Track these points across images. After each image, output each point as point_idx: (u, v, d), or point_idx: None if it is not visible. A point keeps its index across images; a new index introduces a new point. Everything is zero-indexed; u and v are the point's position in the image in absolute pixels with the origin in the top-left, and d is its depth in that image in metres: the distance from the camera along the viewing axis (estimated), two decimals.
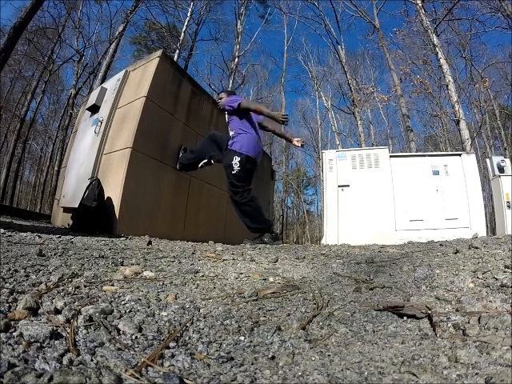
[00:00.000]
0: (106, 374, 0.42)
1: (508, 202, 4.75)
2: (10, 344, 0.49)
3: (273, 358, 0.55)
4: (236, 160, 2.74)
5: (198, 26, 13.51)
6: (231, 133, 2.91)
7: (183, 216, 3.57)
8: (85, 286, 0.86)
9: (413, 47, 11.21)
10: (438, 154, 5.07)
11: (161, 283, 0.98)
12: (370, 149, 5.11)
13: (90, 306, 0.70)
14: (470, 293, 0.85)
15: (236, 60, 12.65)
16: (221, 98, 3.11)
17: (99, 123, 3.32)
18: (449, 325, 0.65)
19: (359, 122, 12.97)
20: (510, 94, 14.74)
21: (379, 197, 4.57)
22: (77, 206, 2.72)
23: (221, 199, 4.41)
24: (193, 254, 1.63)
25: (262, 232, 2.75)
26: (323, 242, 4.51)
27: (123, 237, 2.42)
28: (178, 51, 11.66)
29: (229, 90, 3.24)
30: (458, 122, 7.84)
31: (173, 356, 0.53)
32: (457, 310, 0.73)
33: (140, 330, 0.62)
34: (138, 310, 0.72)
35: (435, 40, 8.32)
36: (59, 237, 1.89)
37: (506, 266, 1.03)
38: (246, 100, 2.94)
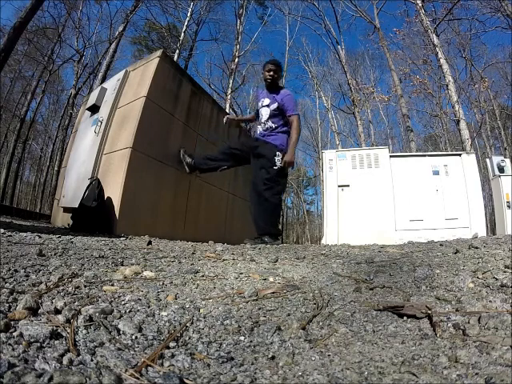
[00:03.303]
0: (106, 374, 0.42)
1: (508, 202, 4.75)
2: (10, 344, 0.49)
3: (273, 357, 0.55)
4: (279, 157, 2.71)
5: (198, 26, 13.52)
6: (273, 125, 2.83)
7: (183, 216, 3.57)
8: (85, 286, 0.86)
9: (413, 47, 11.24)
10: (438, 154, 5.07)
11: (161, 283, 0.98)
12: (369, 149, 5.11)
13: (90, 306, 0.70)
14: (469, 293, 0.85)
15: (236, 60, 12.64)
16: (275, 72, 2.87)
17: (99, 123, 3.32)
18: (449, 325, 0.65)
19: (359, 122, 12.97)
20: (510, 94, 14.75)
21: (379, 197, 4.57)
22: (77, 206, 2.72)
23: (221, 199, 4.41)
24: (193, 254, 1.63)
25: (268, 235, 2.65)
26: (323, 241, 4.51)
27: (123, 237, 2.42)
28: (178, 51, 11.66)
29: (279, 62, 3.00)
30: (458, 122, 7.85)
31: (173, 356, 0.53)
32: (457, 310, 0.73)
33: (140, 330, 0.62)
34: (138, 310, 0.72)
35: (435, 40, 8.33)
36: (59, 237, 1.89)
37: (506, 266, 1.03)
38: (299, 118, 2.85)
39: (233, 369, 0.51)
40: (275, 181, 2.69)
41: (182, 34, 11.95)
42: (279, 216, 2.82)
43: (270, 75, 2.88)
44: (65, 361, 0.47)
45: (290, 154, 2.70)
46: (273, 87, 2.92)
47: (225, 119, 3.25)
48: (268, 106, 2.89)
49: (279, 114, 2.84)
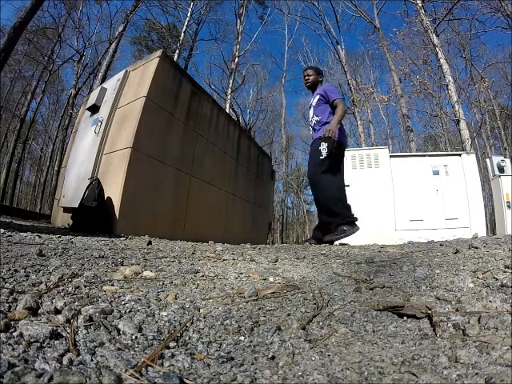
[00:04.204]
0: (106, 374, 0.42)
1: (508, 202, 4.75)
2: (10, 344, 0.49)
3: (273, 357, 0.55)
4: (324, 146, 2.70)
5: (198, 25, 13.52)
6: (317, 118, 2.90)
7: (183, 216, 3.58)
8: (85, 286, 0.86)
9: (413, 47, 11.24)
10: (438, 154, 5.08)
11: (161, 283, 0.98)
12: (370, 149, 5.11)
13: (90, 306, 0.70)
14: (469, 293, 0.85)
15: (236, 60, 12.63)
16: (309, 75, 3.08)
17: (99, 123, 3.32)
18: (449, 325, 0.65)
19: (359, 122, 12.97)
20: (510, 94, 14.76)
21: (379, 197, 4.57)
22: (77, 206, 2.72)
23: (221, 199, 4.41)
24: (193, 254, 1.63)
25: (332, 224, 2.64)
26: None
27: (123, 237, 2.42)
28: (178, 51, 11.66)
29: (315, 66, 3.23)
30: (458, 122, 7.85)
31: (173, 356, 0.53)
32: (457, 310, 0.73)
33: (140, 329, 0.62)
34: (138, 310, 0.72)
35: (435, 40, 8.33)
36: (59, 237, 1.89)
37: (506, 266, 1.03)
38: (343, 102, 2.87)
39: (233, 369, 0.51)
40: (326, 169, 2.68)
41: (182, 34, 11.94)
42: (341, 201, 2.71)
43: (305, 80, 3.12)
44: (65, 361, 0.47)
45: (332, 123, 2.68)
46: (315, 89, 3.05)
47: None
48: (311, 104, 3.02)
49: (323, 104, 2.89)
